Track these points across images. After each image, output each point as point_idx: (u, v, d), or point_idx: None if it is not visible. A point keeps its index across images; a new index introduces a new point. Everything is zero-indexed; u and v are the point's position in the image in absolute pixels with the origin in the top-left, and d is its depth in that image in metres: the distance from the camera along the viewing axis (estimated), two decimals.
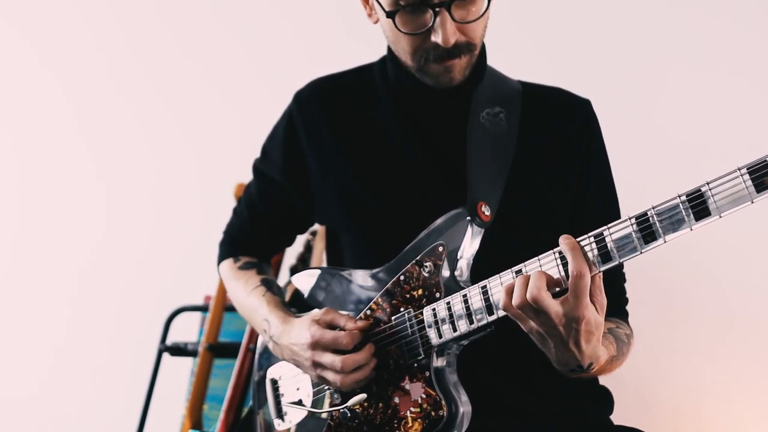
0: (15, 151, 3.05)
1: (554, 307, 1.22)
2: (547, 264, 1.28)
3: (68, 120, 3.02)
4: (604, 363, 1.37)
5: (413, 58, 1.49)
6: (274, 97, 1.92)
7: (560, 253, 1.26)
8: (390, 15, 1.43)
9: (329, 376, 1.46)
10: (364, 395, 1.44)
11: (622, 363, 1.49)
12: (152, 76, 2.98)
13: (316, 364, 1.47)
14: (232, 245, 1.83)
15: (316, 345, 1.45)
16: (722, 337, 2.41)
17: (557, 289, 1.26)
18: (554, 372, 1.44)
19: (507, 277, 1.32)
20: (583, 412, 1.55)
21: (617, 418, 1.60)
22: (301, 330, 1.49)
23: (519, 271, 1.30)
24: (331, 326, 1.48)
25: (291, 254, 2.45)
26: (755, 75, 2.41)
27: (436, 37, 1.42)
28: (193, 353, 2.53)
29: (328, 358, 1.44)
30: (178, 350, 2.56)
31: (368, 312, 1.50)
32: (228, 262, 1.81)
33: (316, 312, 1.52)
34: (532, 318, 1.25)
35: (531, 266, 1.30)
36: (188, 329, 2.70)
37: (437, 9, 1.40)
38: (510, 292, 1.26)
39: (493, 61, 1.64)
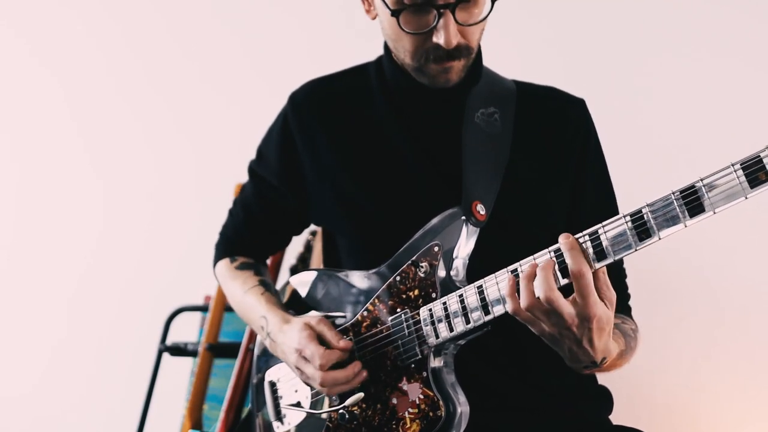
0: (14, 151, 3.05)
1: (567, 307, 1.21)
2: (542, 263, 1.27)
3: (67, 120, 3.02)
4: (615, 357, 1.36)
5: (413, 57, 1.49)
6: (274, 97, 1.92)
7: (555, 251, 1.26)
8: (394, 14, 1.42)
9: (313, 383, 1.48)
10: (361, 394, 1.45)
11: (631, 357, 1.48)
12: (151, 77, 2.97)
13: (300, 370, 1.50)
14: (228, 246, 1.83)
15: (301, 353, 1.47)
16: (721, 336, 2.41)
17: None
18: (553, 369, 1.44)
19: (503, 276, 1.32)
20: (582, 410, 1.55)
21: (616, 418, 1.60)
22: (293, 331, 1.51)
23: (515, 271, 1.30)
24: (320, 338, 1.49)
25: (291, 254, 2.45)
26: (747, 71, 2.40)
27: (438, 38, 1.42)
28: (193, 353, 2.53)
29: (309, 369, 1.46)
30: (178, 350, 2.56)
31: (365, 313, 1.50)
32: (224, 262, 1.82)
33: (312, 316, 1.53)
34: (543, 320, 1.24)
35: (526, 265, 1.29)
36: (188, 329, 2.71)
37: (441, 10, 1.40)
38: (514, 294, 1.25)
39: (487, 60, 1.64)
